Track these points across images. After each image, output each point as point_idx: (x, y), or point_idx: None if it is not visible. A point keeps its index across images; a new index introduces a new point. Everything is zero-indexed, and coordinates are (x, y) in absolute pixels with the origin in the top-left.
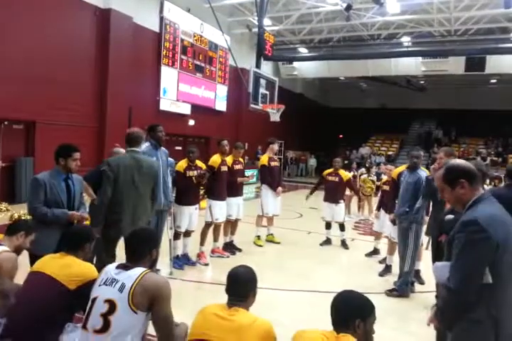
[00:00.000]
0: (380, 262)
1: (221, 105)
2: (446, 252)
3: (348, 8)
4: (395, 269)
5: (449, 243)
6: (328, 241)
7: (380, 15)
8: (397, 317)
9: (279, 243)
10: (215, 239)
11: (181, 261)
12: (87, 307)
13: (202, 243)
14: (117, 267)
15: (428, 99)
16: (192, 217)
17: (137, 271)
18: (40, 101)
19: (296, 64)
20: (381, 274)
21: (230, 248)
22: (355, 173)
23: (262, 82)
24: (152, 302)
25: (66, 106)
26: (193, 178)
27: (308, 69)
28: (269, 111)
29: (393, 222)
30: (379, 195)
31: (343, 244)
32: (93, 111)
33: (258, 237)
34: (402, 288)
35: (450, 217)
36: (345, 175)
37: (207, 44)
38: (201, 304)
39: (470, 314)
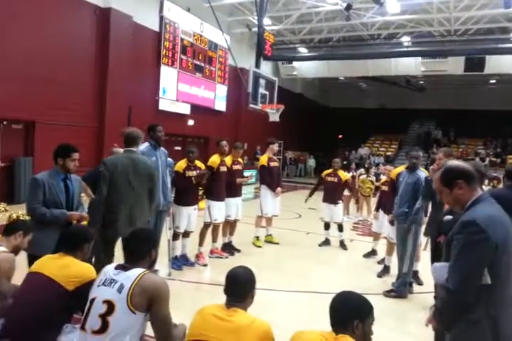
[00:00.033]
0: (379, 263)
1: (220, 105)
2: (444, 253)
3: (348, 7)
4: (393, 270)
5: (448, 244)
6: (326, 242)
7: (380, 15)
8: (395, 318)
9: (277, 243)
10: (214, 240)
11: (180, 262)
12: (86, 308)
13: (201, 243)
14: (116, 268)
15: (427, 99)
16: (191, 217)
17: (136, 272)
18: (39, 101)
19: (295, 64)
20: (379, 275)
21: (229, 248)
22: (354, 174)
23: (262, 81)
24: (151, 303)
25: (66, 106)
26: (193, 178)
27: (308, 69)
28: (269, 111)
29: (391, 222)
30: (378, 195)
31: (342, 245)
32: (93, 110)
33: (257, 238)
34: (401, 289)
35: (449, 217)
36: (345, 175)
37: (206, 44)
38: (200, 305)
39: (469, 315)
